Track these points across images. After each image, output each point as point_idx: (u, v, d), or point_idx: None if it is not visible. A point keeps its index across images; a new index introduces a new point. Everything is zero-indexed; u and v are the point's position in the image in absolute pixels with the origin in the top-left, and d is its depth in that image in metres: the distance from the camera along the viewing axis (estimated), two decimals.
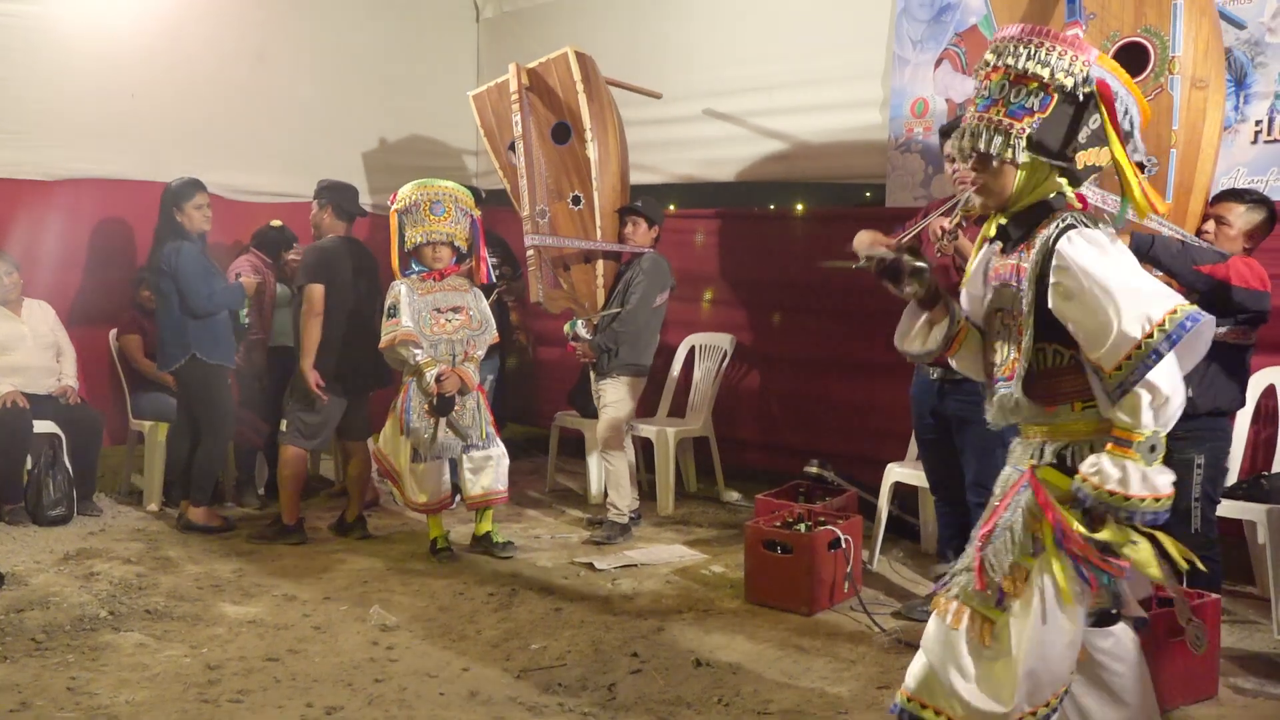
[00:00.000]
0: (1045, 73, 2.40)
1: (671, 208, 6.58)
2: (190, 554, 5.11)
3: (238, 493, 6.20)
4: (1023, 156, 2.45)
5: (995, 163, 2.47)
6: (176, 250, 5.39)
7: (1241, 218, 3.80)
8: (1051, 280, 2.41)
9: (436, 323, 5.00)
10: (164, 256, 5.40)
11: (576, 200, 5.72)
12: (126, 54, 6.33)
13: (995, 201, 2.53)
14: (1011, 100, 2.43)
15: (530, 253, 5.66)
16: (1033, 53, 2.41)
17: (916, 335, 2.71)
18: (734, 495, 6.18)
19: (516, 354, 7.13)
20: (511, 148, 5.79)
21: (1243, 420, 4.30)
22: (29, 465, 5.65)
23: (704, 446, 6.31)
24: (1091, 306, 2.34)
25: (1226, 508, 4.06)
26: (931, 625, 2.49)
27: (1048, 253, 2.42)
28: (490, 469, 5.14)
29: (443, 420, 5.01)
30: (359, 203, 5.72)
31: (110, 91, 6.28)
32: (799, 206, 6.61)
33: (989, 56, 2.50)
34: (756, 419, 6.37)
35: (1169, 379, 2.30)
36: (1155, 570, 2.35)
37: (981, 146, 2.46)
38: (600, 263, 5.71)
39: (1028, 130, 2.42)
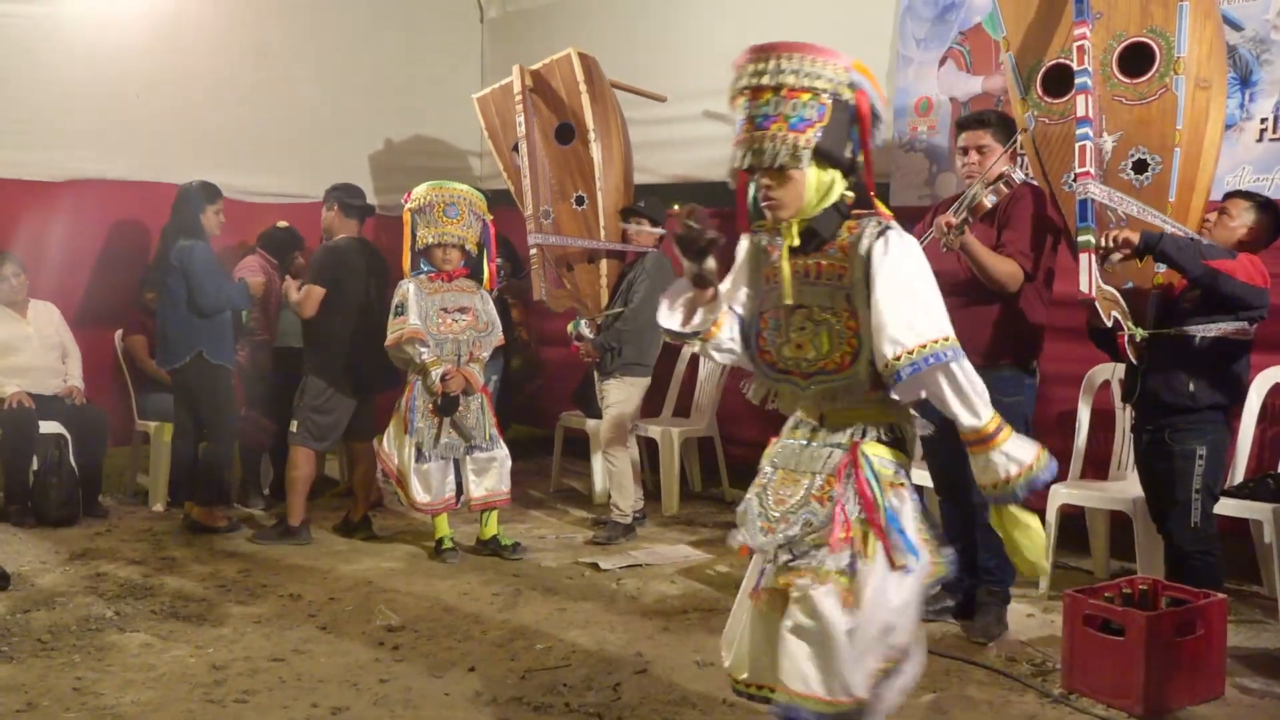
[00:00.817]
0: (815, 84, 2.50)
1: (675, 207, 6.57)
2: (196, 554, 5.12)
3: (243, 493, 6.21)
4: (814, 165, 2.54)
5: (788, 174, 2.56)
6: (189, 249, 5.39)
7: (1245, 213, 3.82)
8: (868, 275, 2.54)
9: (443, 322, 5.01)
10: (175, 254, 5.40)
11: (580, 200, 5.72)
12: (131, 54, 6.34)
13: (790, 211, 2.62)
14: (789, 114, 2.51)
15: (534, 252, 5.66)
16: (798, 66, 2.51)
17: (679, 314, 2.76)
18: (739, 495, 6.16)
19: (520, 354, 7.13)
20: (515, 149, 5.80)
21: (1249, 419, 4.30)
22: (35, 466, 5.66)
23: (709, 446, 6.30)
24: (885, 304, 2.50)
25: (1233, 507, 4.06)
26: (802, 620, 2.50)
27: (869, 251, 2.54)
28: (493, 471, 5.15)
29: (446, 421, 5.01)
30: (365, 200, 5.73)
31: (115, 92, 6.29)
32: None
33: (751, 78, 2.57)
34: (761, 419, 6.32)
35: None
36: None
37: (768, 162, 2.53)
38: (604, 262, 5.72)
39: (814, 141, 2.51)
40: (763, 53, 2.56)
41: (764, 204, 2.64)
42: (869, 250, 2.55)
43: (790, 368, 2.72)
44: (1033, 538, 2.55)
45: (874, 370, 2.58)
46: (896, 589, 2.50)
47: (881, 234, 2.55)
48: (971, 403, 2.54)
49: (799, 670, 2.49)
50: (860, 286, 2.57)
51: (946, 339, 2.51)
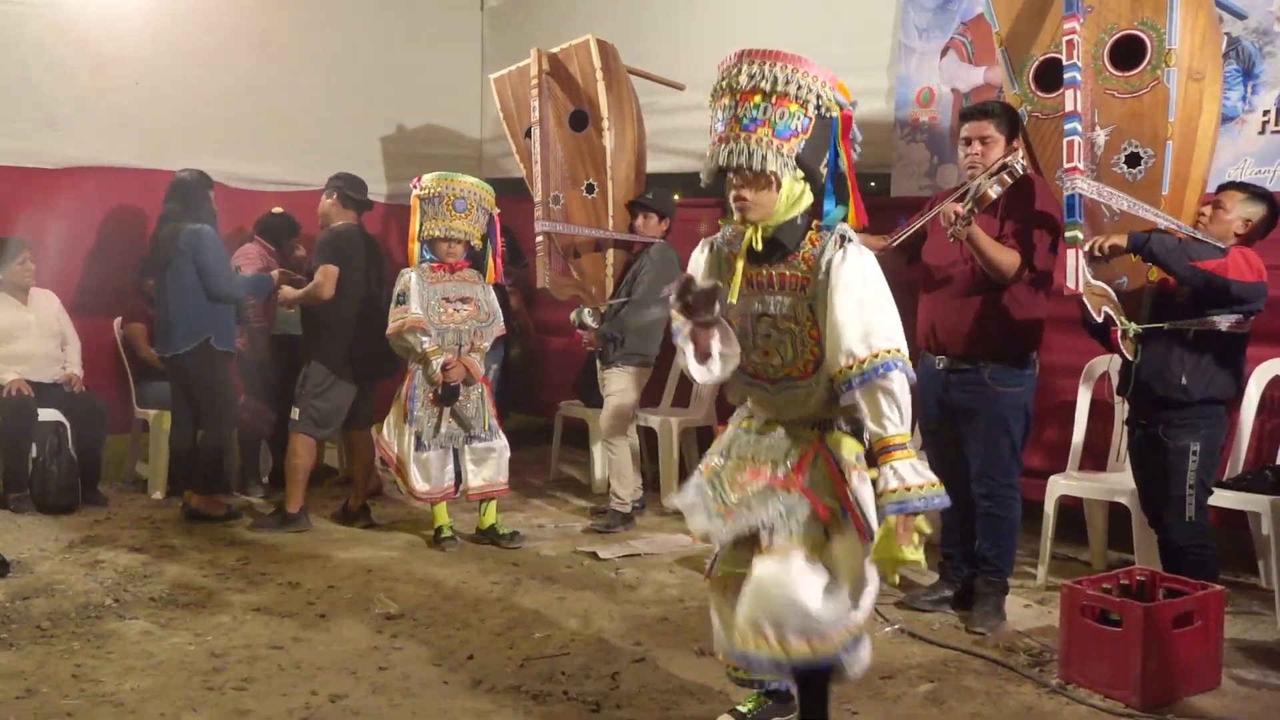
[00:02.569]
0: (805, 96, 2.60)
1: (676, 197, 6.57)
2: (195, 542, 5.13)
3: (242, 481, 6.22)
4: (791, 175, 2.64)
5: (765, 179, 2.64)
6: (197, 233, 5.36)
7: (1239, 206, 3.79)
8: (828, 287, 2.65)
9: (445, 311, 5.02)
10: (184, 238, 5.34)
11: (590, 188, 5.72)
12: (130, 41, 6.33)
13: (759, 215, 2.70)
14: (777, 122, 2.61)
15: (540, 239, 5.66)
16: (789, 77, 2.60)
17: (705, 365, 2.80)
18: None
19: (519, 342, 7.13)
20: (528, 133, 5.78)
21: (1248, 412, 4.30)
22: (34, 453, 5.67)
23: (707, 436, 6.29)
24: (841, 316, 2.62)
25: (1230, 499, 4.06)
26: (771, 568, 2.64)
27: (829, 263, 2.66)
28: (492, 461, 5.16)
29: (446, 410, 5.02)
30: (367, 195, 5.72)
31: (114, 80, 6.28)
32: None
33: (740, 80, 2.64)
34: None
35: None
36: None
37: (757, 165, 2.61)
38: (611, 251, 5.71)
39: (796, 150, 2.62)
40: (757, 57, 2.63)
41: (735, 204, 2.71)
42: (829, 262, 2.66)
43: (758, 372, 2.84)
44: (890, 549, 2.62)
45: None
46: (865, 562, 2.69)
47: (841, 247, 2.66)
48: (894, 414, 2.61)
49: (761, 623, 2.63)
50: (822, 298, 2.68)
51: (897, 350, 2.61)
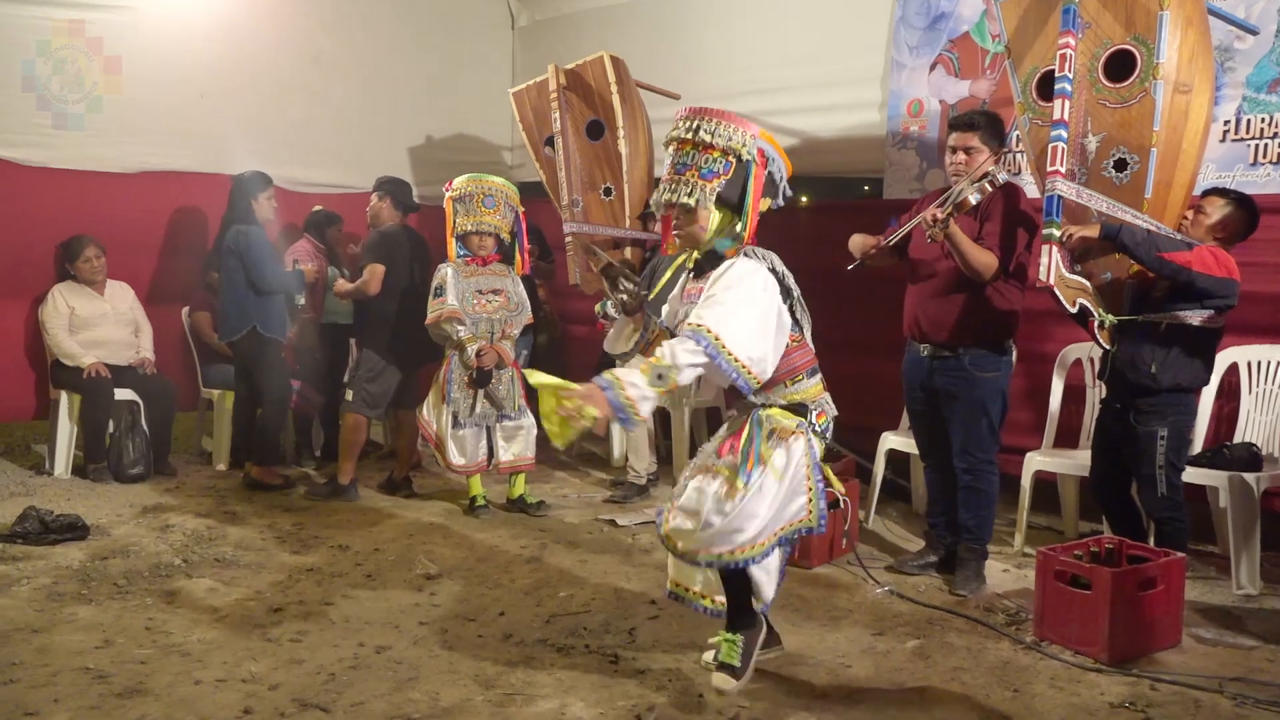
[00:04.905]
0: (725, 144, 2.88)
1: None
2: (254, 509, 5.16)
3: (296, 455, 6.25)
4: (713, 207, 2.90)
5: (695, 212, 2.91)
6: (244, 233, 5.40)
7: (1218, 210, 3.75)
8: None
9: (478, 303, 5.02)
10: (231, 238, 5.42)
11: (608, 191, 5.70)
12: (197, 59, 6.34)
13: (692, 241, 3.00)
14: (702, 165, 2.89)
15: (568, 239, 5.65)
16: (713, 129, 2.88)
17: (620, 340, 3.31)
18: None
19: (546, 330, 7.13)
20: (549, 143, 5.77)
21: (1208, 396, 4.26)
22: (111, 429, 5.71)
23: (716, 416, 6.29)
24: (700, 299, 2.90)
25: (1192, 474, 4.03)
26: (692, 491, 2.93)
27: (717, 271, 2.95)
28: (521, 438, 5.16)
29: (480, 391, 5.02)
30: (413, 197, 5.74)
31: (182, 93, 6.29)
32: (803, 199, 6.56)
33: (678, 132, 2.93)
34: None
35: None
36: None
37: (682, 200, 2.90)
38: (629, 249, 5.70)
39: (717, 189, 2.89)
40: (693, 114, 2.93)
41: (675, 233, 3.01)
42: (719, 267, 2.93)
43: None
44: (554, 398, 2.73)
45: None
46: (756, 500, 2.88)
47: (732, 258, 2.93)
48: (669, 352, 2.76)
49: (689, 534, 2.92)
50: None
51: (714, 334, 2.77)
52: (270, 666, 3.21)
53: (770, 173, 2.97)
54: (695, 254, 3.07)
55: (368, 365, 5.38)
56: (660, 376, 2.71)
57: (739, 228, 2.95)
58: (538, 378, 2.76)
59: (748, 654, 3.07)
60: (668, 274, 3.25)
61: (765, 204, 3.00)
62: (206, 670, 3.16)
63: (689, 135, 2.90)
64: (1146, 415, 3.73)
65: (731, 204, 2.91)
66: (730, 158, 2.88)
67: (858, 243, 4.18)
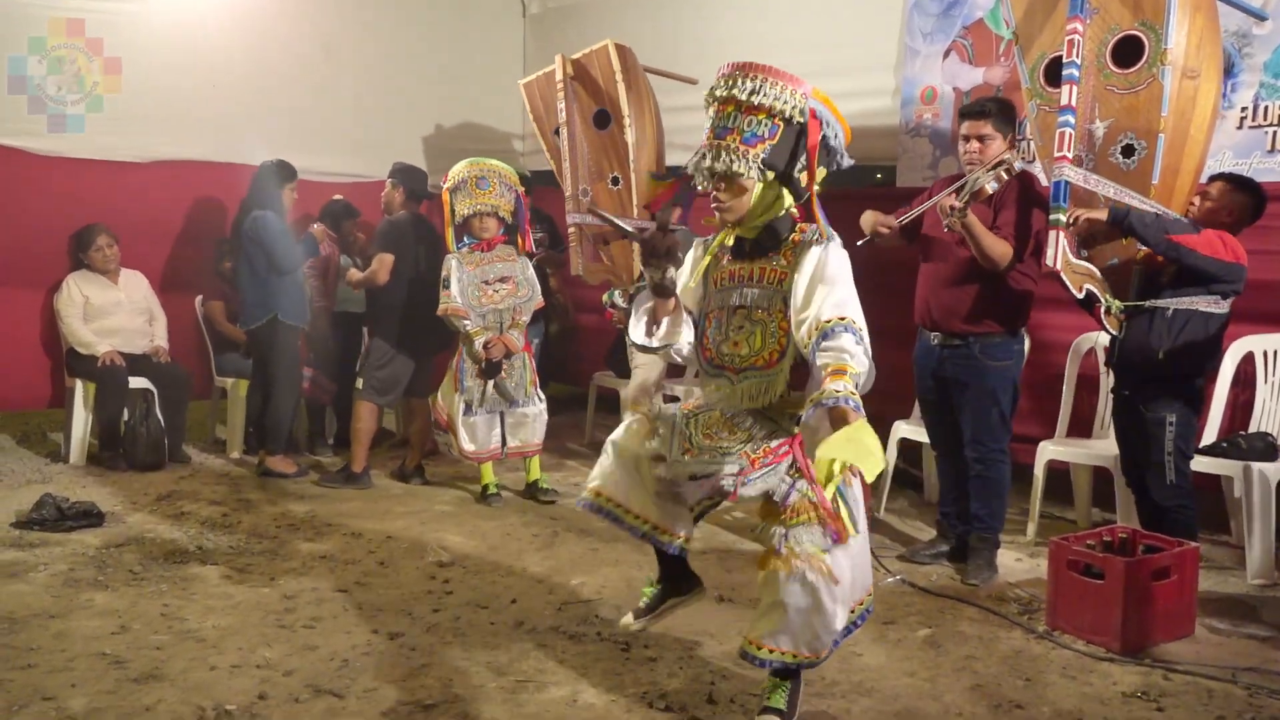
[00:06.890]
0: (771, 104, 2.55)
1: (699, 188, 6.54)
2: (268, 496, 5.19)
3: (310, 443, 6.27)
4: (757, 177, 2.58)
5: (737, 183, 2.60)
6: (262, 218, 5.41)
7: (1225, 195, 3.73)
8: (800, 272, 2.60)
9: (484, 294, 5.02)
10: (249, 223, 5.43)
11: (615, 181, 5.68)
12: (209, 48, 6.35)
13: (734, 216, 2.67)
14: (745, 129, 2.56)
15: (572, 229, 5.64)
16: (758, 87, 2.55)
17: (643, 325, 2.76)
18: None
19: (558, 319, 7.14)
20: (556, 132, 5.76)
21: (1223, 385, 4.24)
22: (125, 417, 5.74)
23: None
24: (808, 293, 2.58)
25: (1206, 464, 4.02)
26: (797, 589, 2.54)
27: (807, 255, 2.61)
28: (528, 424, 5.17)
29: (490, 382, 5.04)
30: (427, 185, 5.74)
31: (195, 82, 6.31)
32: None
33: (718, 91, 2.61)
34: None
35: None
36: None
37: (721, 168, 2.57)
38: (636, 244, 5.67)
39: (761, 155, 2.56)
40: (736, 70, 2.60)
41: (714, 206, 2.67)
42: (807, 254, 2.60)
43: (725, 363, 2.76)
44: (857, 436, 2.45)
45: (793, 368, 2.64)
46: (844, 554, 2.57)
47: (821, 243, 2.61)
48: (848, 356, 2.52)
49: (790, 623, 2.58)
50: (796, 285, 2.62)
51: (852, 320, 2.55)
52: (284, 653, 3.23)
53: (824, 137, 2.64)
54: (735, 231, 2.74)
55: (378, 353, 5.40)
56: (859, 384, 2.52)
57: (788, 202, 2.66)
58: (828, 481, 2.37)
59: (793, 702, 2.76)
60: (707, 257, 2.86)
61: (821, 173, 2.68)
62: (221, 656, 3.18)
63: (734, 93, 2.58)
64: (1153, 401, 3.71)
65: (778, 171, 2.60)
66: (777, 120, 2.57)
67: (869, 220, 4.15)
